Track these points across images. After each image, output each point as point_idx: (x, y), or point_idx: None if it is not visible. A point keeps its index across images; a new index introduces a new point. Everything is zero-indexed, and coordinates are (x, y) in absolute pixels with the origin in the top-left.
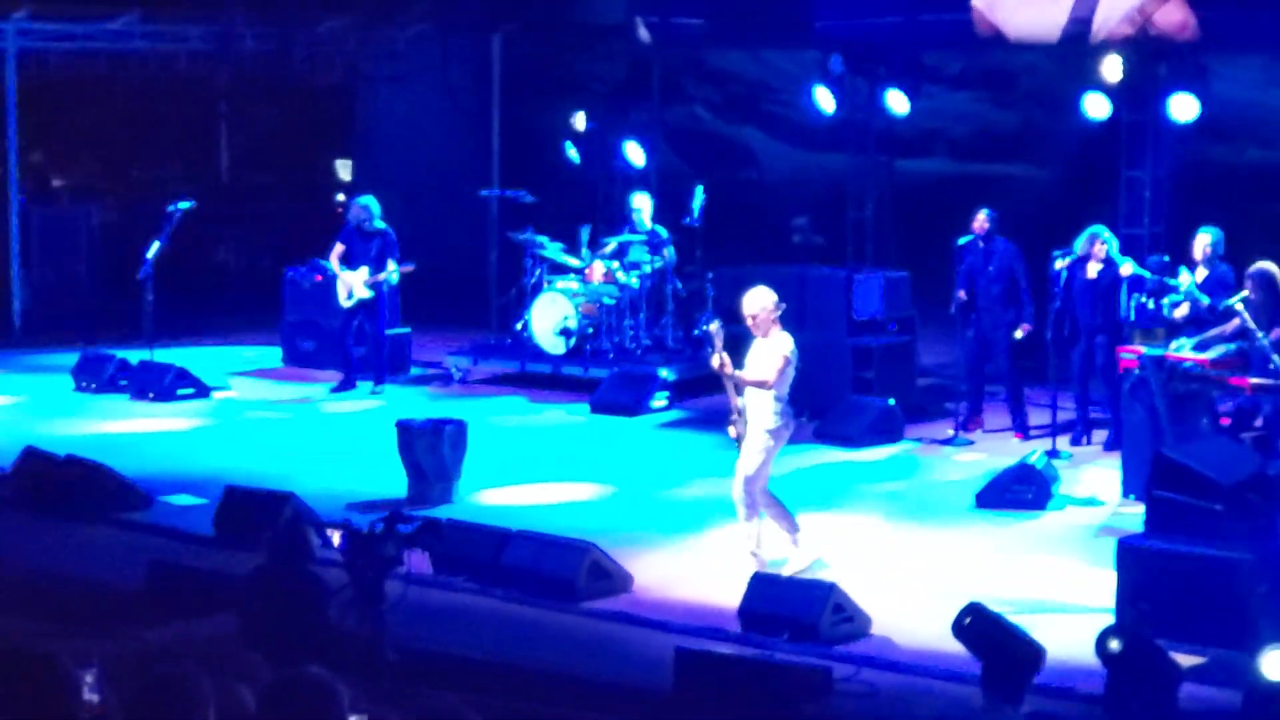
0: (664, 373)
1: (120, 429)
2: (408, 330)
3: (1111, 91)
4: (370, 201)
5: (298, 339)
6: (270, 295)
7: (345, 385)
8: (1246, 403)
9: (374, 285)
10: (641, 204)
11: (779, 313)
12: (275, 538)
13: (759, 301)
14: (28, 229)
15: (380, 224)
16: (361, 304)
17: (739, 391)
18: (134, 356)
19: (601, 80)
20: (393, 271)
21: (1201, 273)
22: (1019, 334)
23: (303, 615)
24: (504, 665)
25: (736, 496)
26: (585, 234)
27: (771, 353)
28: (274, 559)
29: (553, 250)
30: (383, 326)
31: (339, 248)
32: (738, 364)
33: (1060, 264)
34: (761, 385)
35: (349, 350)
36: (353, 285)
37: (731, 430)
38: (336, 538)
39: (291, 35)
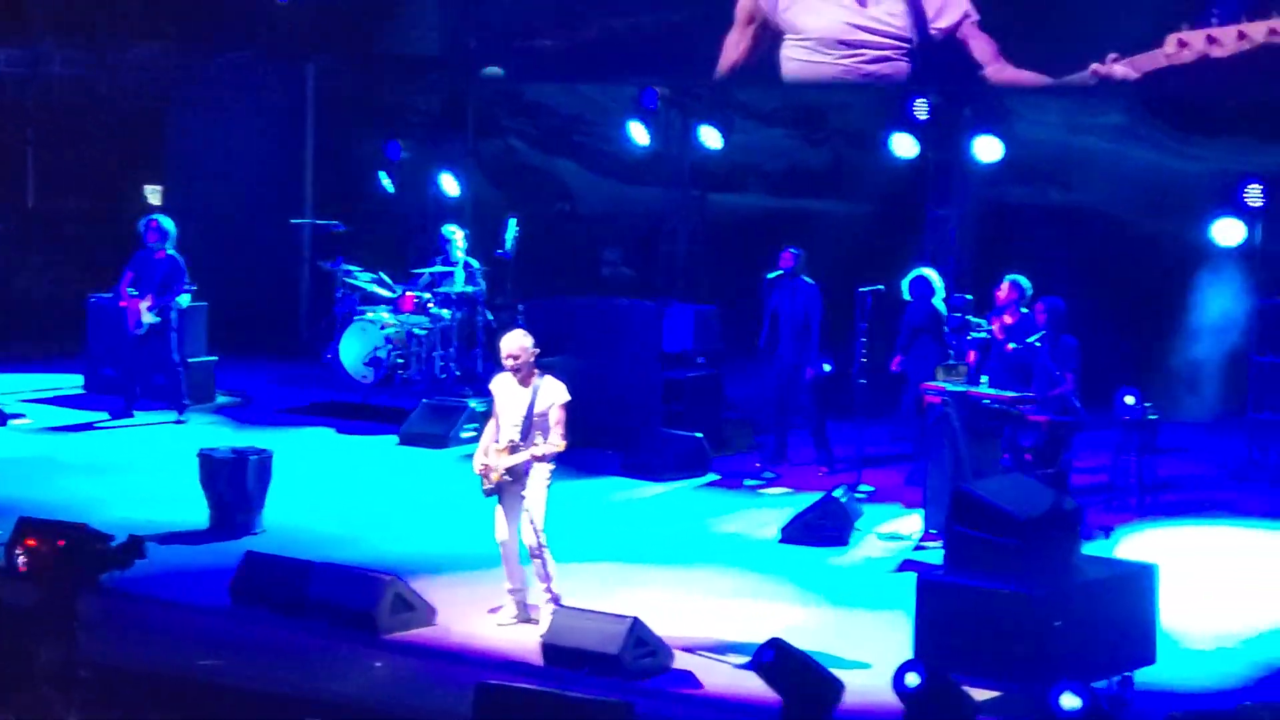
0: (474, 404)
1: None
2: (214, 358)
3: (918, 131)
4: (165, 220)
5: (101, 366)
6: (76, 322)
7: (122, 413)
8: (1051, 439)
9: (160, 311)
10: (455, 235)
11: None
12: None
13: (519, 342)
14: None
15: (170, 249)
16: (152, 330)
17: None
18: None
19: (417, 111)
20: (181, 295)
21: (1009, 318)
22: (820, 370)
23: None
24: (244, 690)
25: (531, 542)
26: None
27: (553, 408)
28: None
29: (364, 280)
30: (176, 352)
31: (129, 275)
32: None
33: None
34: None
35: (133, 378)
36: (140, 312)
37: (487, 484)
38: (21, 559)
39: (102, 59)
